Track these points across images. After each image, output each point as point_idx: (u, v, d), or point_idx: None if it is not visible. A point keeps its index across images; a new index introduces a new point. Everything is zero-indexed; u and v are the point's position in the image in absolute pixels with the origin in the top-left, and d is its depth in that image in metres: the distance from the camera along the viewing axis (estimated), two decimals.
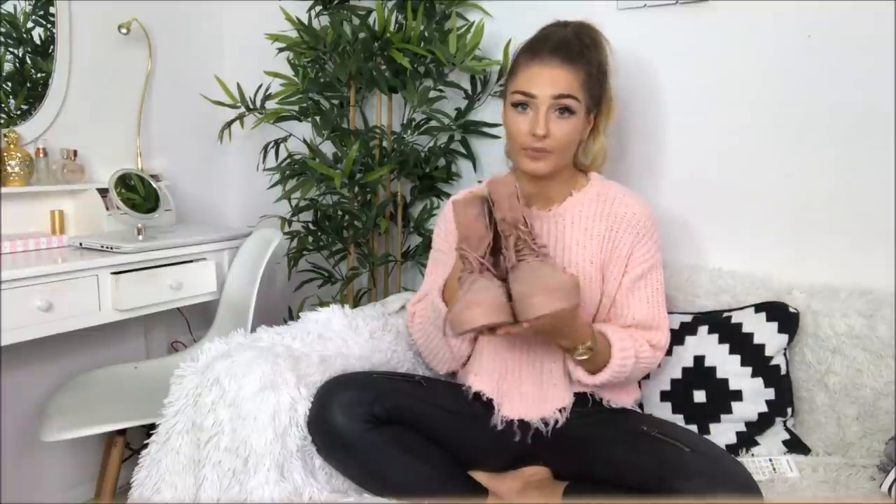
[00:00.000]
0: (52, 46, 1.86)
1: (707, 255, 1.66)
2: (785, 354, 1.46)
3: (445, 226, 1.44)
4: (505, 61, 1.79)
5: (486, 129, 1.86)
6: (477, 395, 1.35)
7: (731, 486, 1.07)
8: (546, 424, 1.30)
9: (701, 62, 1.63)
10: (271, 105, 1.94)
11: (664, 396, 1.49)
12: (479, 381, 1.35)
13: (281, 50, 1.92)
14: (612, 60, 1.35)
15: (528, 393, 1.31)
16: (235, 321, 1.78)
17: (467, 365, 1.40)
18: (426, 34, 1.78)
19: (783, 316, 1.46)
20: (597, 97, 1.32)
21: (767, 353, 1.44)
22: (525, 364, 1.33)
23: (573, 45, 1.28)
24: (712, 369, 1.46)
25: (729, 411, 1.43)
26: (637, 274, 1.32)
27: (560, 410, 1.30)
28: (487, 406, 1.33)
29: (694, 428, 1.44)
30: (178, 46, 2.17)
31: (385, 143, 1.91)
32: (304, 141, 1.91)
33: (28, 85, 1.84)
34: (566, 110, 1.26)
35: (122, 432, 1.59)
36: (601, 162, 1.41)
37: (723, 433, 1.43)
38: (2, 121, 1.77)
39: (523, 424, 1.31)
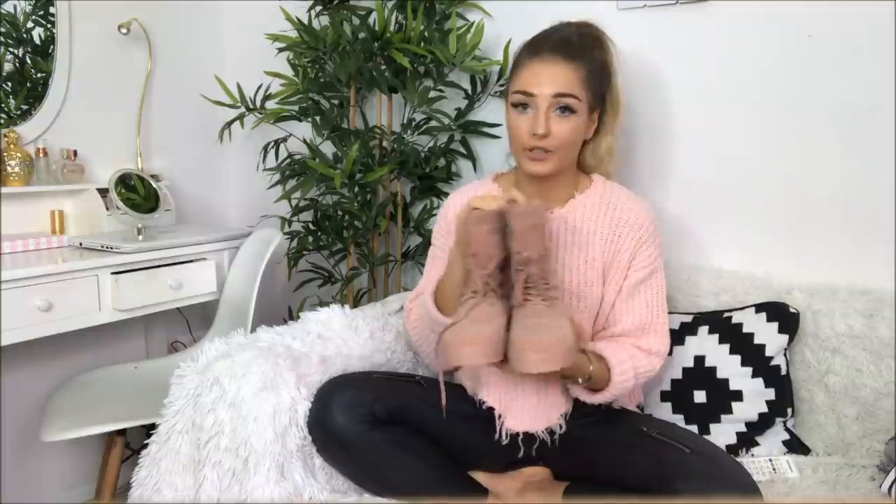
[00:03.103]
0: (52, 46, 1.86)
1: (707, 255, 1.66)
2: (785, 354, 1.46)
3: (445, 224, 1.43)
4: (505, 61, 1.79)
5: (486, 129, 1.86)
6: (482, 403, 1.34)
7: (731, 486, 1.07)
8: (551, 434, 1.29)
9: (701, 62, 1.63)
10: (271, 105, 1.93)
11: (664, 397, 1.49)
12: (485, 392, 1.34)
13: (281, 50, 1.93)
14: (616, 59, 1.34)
15: (532, 403, 1.30)
16: (235, 321, 1.78)
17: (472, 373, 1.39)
18: (426, 34, 1.78)
19: (783, 316, 1.46)
20: (600, 95, 1.31)
21: (768, 353, 1.44)
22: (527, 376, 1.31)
23: (574, 42, 1.27)
24: (713, 369, 1.46)
25: (729, 411, 1.43)
26: (638, 278, 1.31)
27: (562, 415, 1.29)
28: (492, 413, 1.33)
29: (694, 428, 1.44)
30: (178, 46, 2.17)
31: (385, 143, 1.91)
32: (304, 141, 1.91)
33: (28, 85, 1.84)
34: (566, 109, 1.24)
35: (122, 432, 1.59)
36: (609, 163, 1.40)
37: (723, 433, 1.43)
38: (2, 121, 1.77)
39: (528, 437, 1.30)
